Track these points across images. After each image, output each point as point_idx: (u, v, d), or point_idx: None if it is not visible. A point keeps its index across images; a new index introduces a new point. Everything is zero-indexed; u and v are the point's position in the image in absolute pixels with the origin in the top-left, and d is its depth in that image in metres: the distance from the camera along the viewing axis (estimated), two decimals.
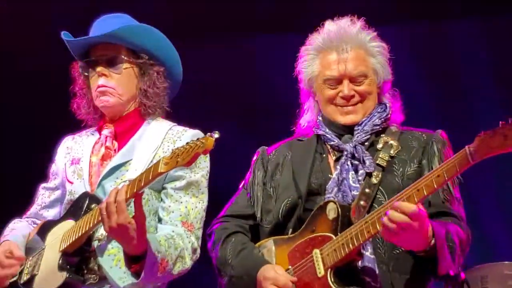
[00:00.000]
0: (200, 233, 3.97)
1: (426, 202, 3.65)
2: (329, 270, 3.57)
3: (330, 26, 3.98)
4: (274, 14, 6.58)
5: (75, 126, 4.26)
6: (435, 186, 3.35)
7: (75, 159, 4.13)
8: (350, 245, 3.52)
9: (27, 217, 4.23)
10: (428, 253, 3.51)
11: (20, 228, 4.12)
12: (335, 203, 3.67)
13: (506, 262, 5.75)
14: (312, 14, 4.12)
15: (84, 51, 4.07)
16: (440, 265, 3.50)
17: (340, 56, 3.91)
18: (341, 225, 3.62)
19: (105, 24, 4.05)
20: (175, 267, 3.80)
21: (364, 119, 3.92)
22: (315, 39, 4.00)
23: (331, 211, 3.67)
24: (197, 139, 3.37)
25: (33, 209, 4.24)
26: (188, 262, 3.88)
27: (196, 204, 3.96)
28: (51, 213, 4.18)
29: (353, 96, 3.91)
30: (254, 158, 4.13)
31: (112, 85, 4.02)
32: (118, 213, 3.53)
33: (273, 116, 6.18)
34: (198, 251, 3.95)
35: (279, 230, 3.88)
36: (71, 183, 4.06)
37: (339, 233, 3.60)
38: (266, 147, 4.14)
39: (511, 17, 6.41)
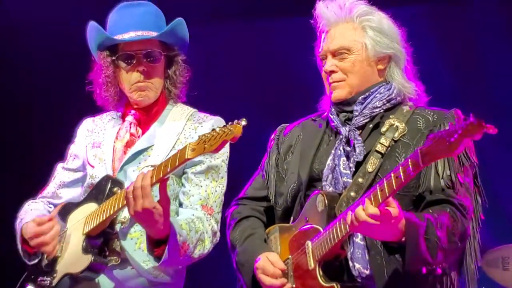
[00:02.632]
0: (219, 216, 4.01)
1: (428, 189, 3.57)
2: (318, 263, 3.55)
3: (323, 8, 3.87)
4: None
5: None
6: (395, 187, 3.25)
7: (96, 143, 4.17)
8: (332, 240, 3.47)
9: (42, 197, 4.26)
10: (401, 245, 3.41)
11: (38, 210, 4.15)
12: (323, 194, 3.62)
13: None
14: None
15: (111, 43, 4.09)
16: (407, 261, 3.41)
17: (328, 32, 3.84)
18: (327, 218, 3.57)
19: (134, 15, 4.07)
20: (196, 250, 3.85)
21: (363, 97, 3.77)
22: (318, 20, 3.92)
23: (320, 203, 3.62)
24: (224, 126, 3.38)
25: (50, 188, 4.27)
26: (208, 246, 3.93)
27: (216, 188, 4.00)
28: (70, 194, 4.22)
29: (333, 72, 3.79)
30: (271, 137, 4.10)
31: (151, 80, 4.07)
32: (143, 198, 3.56)
33: (293, 98, 6.18)
34: (218, 234, 4.00)
35: (288, 215, 3.85)
36: (92, 166, 4.10)
37: (325, 225, 3.55)
38: (286, 125, 4.09)
39: None
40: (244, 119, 3.36)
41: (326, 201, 3.60)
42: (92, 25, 4.10)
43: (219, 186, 4.01)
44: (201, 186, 3.97)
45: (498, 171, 6.05)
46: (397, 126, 3.71)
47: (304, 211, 3.73)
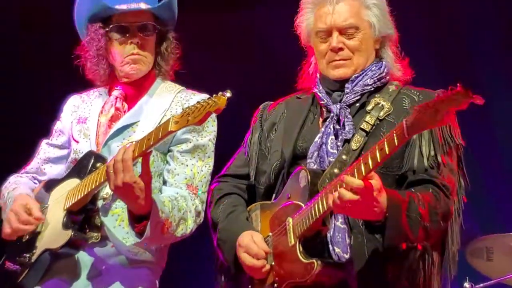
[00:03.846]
0: (205, 197, 3.96)
1: (411, 169, 3.56)
2: (298, 239, 3.49)
3: None
4: None
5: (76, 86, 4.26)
6: (379, 160, 3.21)
7: (81, 118, 4.11)
8: (313, 216, 3.42)
9: (26, 172, 4.21)
10: (383, 224, 3.38)
11: (25, 184, 4.10)
12: (305, 170, 3.58)
13: None
14: None
15: (105, 14, 4.03)
16: (387, 235, 3.37)
17: (331, 7, 3.76)
18: (309, 193, 3.52)
19: None
20: (178, 229, 3.80)
21: (356, 75, 3.75)
22: None
23: (303, 179, 3.58)
24: (209, 98, 3.33)
25: (34, 163, 4.21)
26: (191, 225, 3.87)
27: (202, 168, 3.95)
28: (54, 170, 4.17)
29: (341, 49, 3.75)
30: (254, 115, 4.06)
31: (144, 53, 4.02)
32: (124, 172, 3.50)
33: (275, 79, 6.15)
34: (202, 215, 3.94)
35: (271, 193, 3.81)
36: (77, 142, 4.04)
37: (307, 202, 3.50)
38: (270, 103, 4.04)
39: None
40: (229, 90, 3.30)
41: (309, 177, 3.56)
42: None
43: (205, 166, 3.96)
44: (187, 165, 3.92)
45: (484, 160, 6.06)
46: (382, 105, 3.70)
47: (286, 188, 3.69)
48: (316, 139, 3.70)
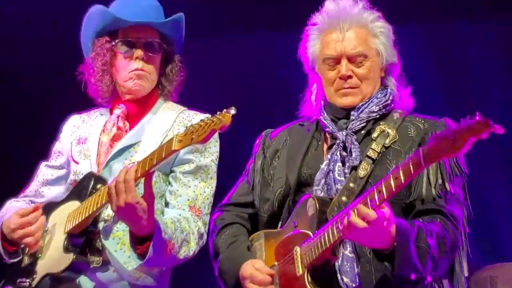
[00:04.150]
0: (207, 218, 3.91)
1: (419, 198, 3.54)
2: (306, 269, 3.44)
3: (330, 5, 3.83)
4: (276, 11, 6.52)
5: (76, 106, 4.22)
6: (393, 188, 3.18)
7: (82, 139, 4.06)
8: (323, 245, 3.37)
9: (24, 196, 4.15)
10: (392, 253, 3.36)
11: (16, 208, 3.99)
12: (314, 198, 3.54)
13: None
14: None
15: (113, 29, 4.01)
16: (396, 264, 3.34)
17: (338, 35, 3.74)
18: (318, 222, 3.48)
19: (138, 5, 4.00)
20: (181, 250, 3.74)
21: (362, 103, 3.74)
22: (316, 19, 3.85)
23: (310, 207, 3.53)
24: (213, 115, 3.28)
25: (33, 186, 4.16)
26: (194, 247, 3.81)
27: (204, 189, 3.90)
28: (53, 192, 4.10)
29: (350, 77, 3.73)
30: (256, 142, 4.03)
31: (149, 70, 3.99)
32: (126, 192, 3.45)
33: (277, 107, 6.13)
34: (205, 236, 3.88)
35: (275, 220, 3.77)
36: (77, 163, 3.99)
37: (316, 230, 3.46)
38: (271, 130, 4.02)
39: None
40: (233, 107, 3.26)
41: (317, 205, 3.52)
42: (97, 7, 4.02)
43: (207, 187, 3.91)
44: (189, 187, 3.86)
45: (487, 188, 6.03)
46: (388, 133, 3.69)
47: (293, 216, 3.64)
48: (323, 166, 3.67)
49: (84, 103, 4.16)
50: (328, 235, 3.35)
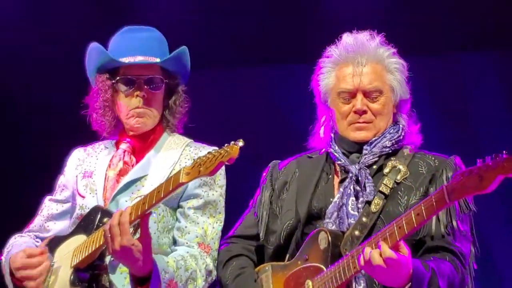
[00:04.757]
0: (217, 254, 3.88)
1: (429, 235, 3.55)
2: None
3: (347, 39, 3.83)
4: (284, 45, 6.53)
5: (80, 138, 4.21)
6: (415, 224, 3.21)
7: (87, 172, 4.02)
8: (338, 279, 3.37)
9: (29, 231, 4.10)
10: None
11: (26, 243, 3.98)
12: (326, 232, 3.53)
13: None
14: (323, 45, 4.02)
15: (112, 66, 3.98)
16: None
17: (356, 69, 3.75)
18: (331, 256, 3.48)
19: (138, 40, 3.97)
20: None
21: (375, 139, 3.76)
22: (332, 52, 3.86)
23: (323, 241, 3.52)
24: (221, 148, 3.26)
25: (37, 221, 4.10)
26: (201, 284, 3.78)
27: (213, 225, 3.87)
28: (58, 226, 4.05)
29: (365, 112, 3.75)
30: (264, 174, 4.00)
31: (150, 107, 3.96)
32: (121, 235, 3.46)
33: (284, 141, 6.11)
34: (214, 273, 3.84)
35: (281, 253, 3.75)
36: (83, 197, 3.95)
37: (329, 265, 3.45)
38: (278, 162, 4.00)
39: None
40: (241, 140, 3.24)
41: (330, 239, 3.50)
42: (94, 46, 3.99)
43: (216, 222, 3.88)
44: (198, 223, 3.83)
45: (488, 222, 6.00)
46: (399, 169, 3.70)
47: (303, 249, 3.62)
48: (335, 199, 3.67)
49: (89, 136, 4.14)
50: (344, 269, 3.35)
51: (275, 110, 6.53)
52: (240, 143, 3.24)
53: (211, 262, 3.82)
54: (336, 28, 3.95)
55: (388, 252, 3.22)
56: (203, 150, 3.92)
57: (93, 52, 4.00)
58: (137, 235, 3.53)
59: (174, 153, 3.94)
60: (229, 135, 3.34)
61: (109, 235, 3.48)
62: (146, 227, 3.50)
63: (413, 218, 3.20)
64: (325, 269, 3.45)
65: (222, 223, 3.91)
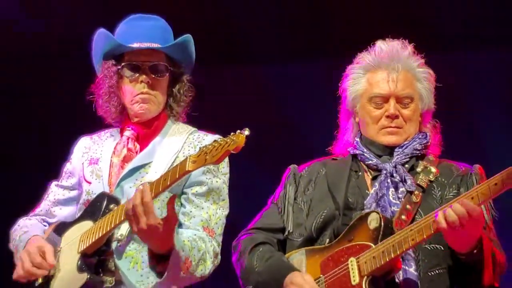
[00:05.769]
0: (220, 239, 3.92)
1: None
2: (366, 278, 3.51)
3: (382, 45, 3.96)
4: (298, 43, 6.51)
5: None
6: (491, 194, 3.39)
7: (93, 159, 4.07)
8: (392, 253, 3.46)
9: (35, 215, 4.14)
10: (467, 258, 3.50)
11: (35, 226, 4.03)
12: (378, 213, 3.63)
13: None
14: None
15: (118, 52, 4.03)
16: (486, 273, 3.49)
17: (390, 74, 3.89)
18: (382, 234, 3.57)
19: (143, 27, 4.02)
20: (198, 269, 3.74)
21: (405, 143, 3.89)
22: (365, 58, 3.98)
23: (373, 221, 3.61)
24: (227, 136, 3.29)
25: (43, 205, 4.15)
26: (209, 266, 3.82)
27: (216, 211, 3.91)
28: (64, 212, 4.10)
29: (397, 117, 3.88)
30: (285, 174, 4.09)
31: (154, 93, 4.00)
32: (146, 214, 3.47)
33: (289, 144, 6.15)
34: (219, 257, 3.90)
35: (309, 244, 3.84)
36: (89, 183, 3.99)
37: (379, 242, 3.54)
38: (297, 166, 4.10)
39: None
40: (247, 128, 3.28)
41: (382, 220, 3.60)
42: (101, 31, 4.03)
43: (219, 209, 3.92)
44: (202, 208, 3.88)
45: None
46: (430, 169, 3.84)
47: (347, 232, 3.71)
48: (372, 191, 3.78)
49: (96, 124, 4.19)
50: (400, 243, 3.45)
51: (275, 107, 6.51)
52: (246, 131, 3.27)
53: (216, 245, 3.87)
54: (336, 28, 4.00)
55: (471, 204, 3.36)
56: (207, 138, 3.97)
57: (101, 37, 4.04)
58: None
59: (178, 141, 3.98)
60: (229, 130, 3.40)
61: (132, 215, 3.49)
62: (173, 208, 3.53)
63: (485, 187, 3.38)
64: (373, 246, 3.54)
65: (225, 210, 3.95)
